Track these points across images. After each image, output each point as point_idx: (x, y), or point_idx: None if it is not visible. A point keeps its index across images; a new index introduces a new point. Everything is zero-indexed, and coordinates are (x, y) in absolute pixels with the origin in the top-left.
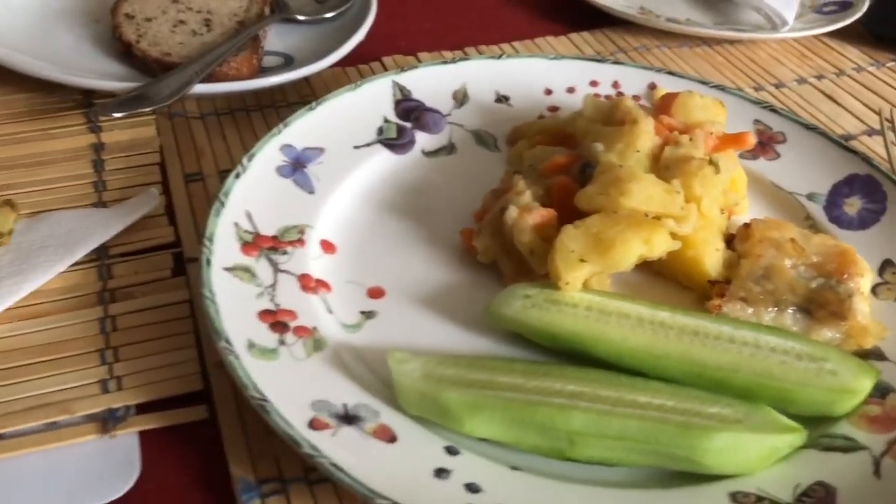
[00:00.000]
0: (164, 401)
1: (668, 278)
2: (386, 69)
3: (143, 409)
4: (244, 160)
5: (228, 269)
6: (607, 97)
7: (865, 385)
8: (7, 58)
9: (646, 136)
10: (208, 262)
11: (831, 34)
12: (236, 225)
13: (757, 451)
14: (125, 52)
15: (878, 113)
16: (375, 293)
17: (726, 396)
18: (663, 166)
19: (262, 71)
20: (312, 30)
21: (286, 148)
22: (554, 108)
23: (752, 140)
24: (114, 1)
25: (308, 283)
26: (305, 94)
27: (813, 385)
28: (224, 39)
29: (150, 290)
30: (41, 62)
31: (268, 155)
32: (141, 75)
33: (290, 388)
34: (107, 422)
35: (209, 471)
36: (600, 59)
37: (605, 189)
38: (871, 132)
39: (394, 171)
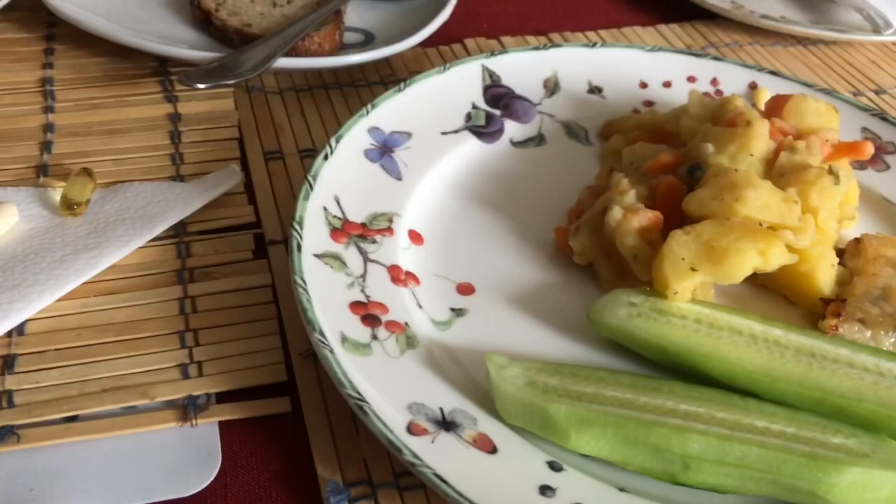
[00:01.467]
0: (245, 390)
1: (774, 291)
2: (468, 52)
3: (221, 397)
4: (332, 141)
5: (318, 256)
6: (706, 94)
7: None
8: (83, 19)
9: (760, 139)
10: (299, 247)
11: None
12: (325, 209)
13: (889, 489)
14: (203, 20)
15: None
16: (465, 289)
17: (846, 426)
18: (777, 173)
19: (343, 47)
20: (391, 6)
21: (374, 131)
22: (649, 103)
23: (869, 150)
24: None
25: (398, 275)
26: (385, 74)
27: None
28: (305, 13)
29: (229, 272)
30: (118, 26)
31: (355, 137)
32: (218, 45)
33: (385, 387)
34: (187, 409)
35: (292, 468)
36: (699, 54)
37: (719, 194)
38: None
39: (481, 160)
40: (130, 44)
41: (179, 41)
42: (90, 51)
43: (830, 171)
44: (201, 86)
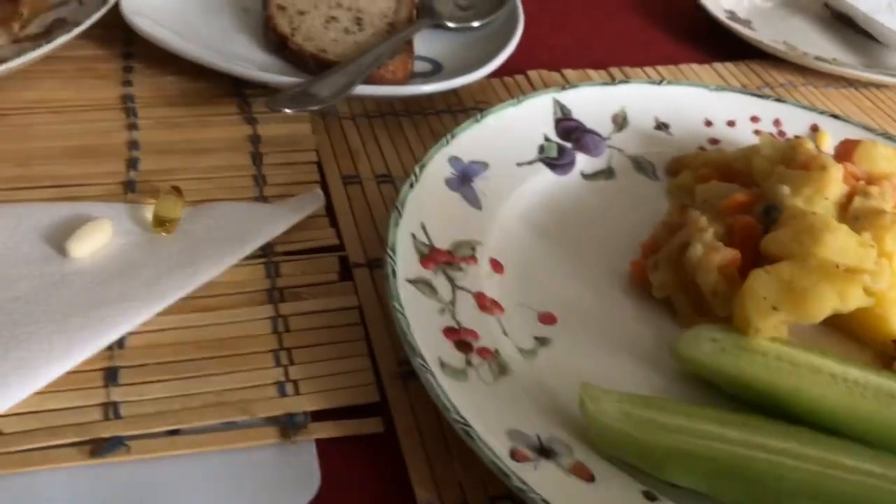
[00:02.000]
0: (338, 410)
1: (844, 332)
2: (531, 82)
3: (315, 416)
4: (416, 169)
5: (411, 282)
6: (770, 135)
7: None
8: (161, 37)
9: (835, 183)
10: (394, 273)
11: None
12: (413, 236)
13: None
14: (278, 44)
15: None
16: (547, 319)
17: None
18: (851, 217)
19: (413, 76)
20: (457, 36)
21: (454, 160)
22: (714, 141)
23: None
24: None
25: (484, 303)
26: (453, 103)
27: None
28: (377, 40)
29: (317, 293)
30: (195, 45)
31: (437, 166)
32: (292, 69)
33: (484, 413)
34: (287, 427)
35: (389, 489)
36: (762, 95)
37: (798, 236)
38: None
39: (553, 191)
40: (208, 64)
41: (254, 63)
42: (167, 69)
43: None
44: (288, 111)
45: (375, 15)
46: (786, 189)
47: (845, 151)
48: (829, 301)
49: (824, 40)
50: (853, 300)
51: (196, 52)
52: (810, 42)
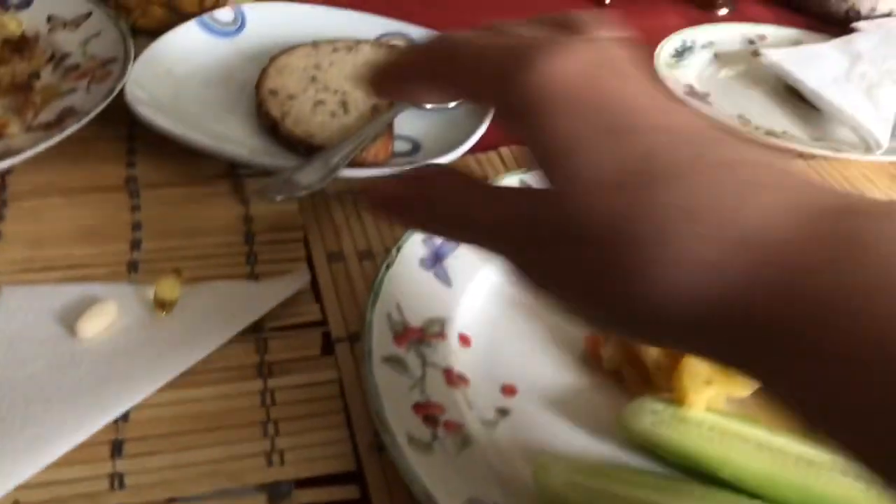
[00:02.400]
0: (318, 478)
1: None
2: (502, 159)
3: (298, 483)
4: (393, 251)
5: (385, 360)
6: None
7: None
8: (160, 123)
9: None
10: (370, 352)
11: None
12: (388, 316)
13: None
14: (270, 128)
15: None
16: (509, 390)
17: None
18: None
19: (393, 156)
20: (435, 115)
21: (427, 240)
22: None
23: None
24: (257, 76)
25: (451, 378)
26: None
27: None
28: (360, 123)
29: (302, 367)
30: (192, 129)
31: (412, 247)
32: (282, 150)
33: (447, 483)
34: (274, 495)
35: None
36: None
37: None
38: None
39: None
40: (202, 147)
41: (247, 144)
42: (167, 150)
43: None
44: (278, 198)
45: (360, 98)
46: None
47: None
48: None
49: (779, 112)
50: None
51: (190, 135)
52: (766, 113)
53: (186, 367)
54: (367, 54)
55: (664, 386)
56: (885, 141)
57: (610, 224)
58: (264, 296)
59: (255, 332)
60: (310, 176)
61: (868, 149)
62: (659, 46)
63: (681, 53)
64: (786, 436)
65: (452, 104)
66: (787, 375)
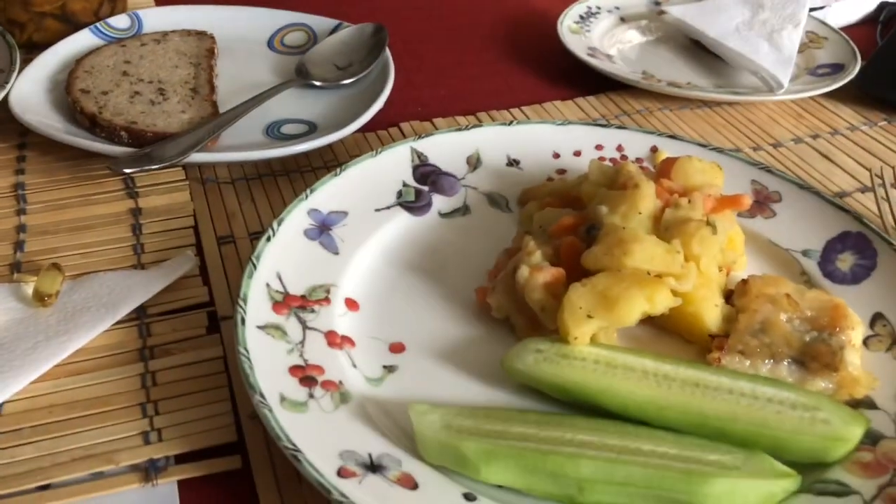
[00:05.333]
0: (201, 451)
1: (672, 332)
2: (404, 135)
3: (181, 458)
4: (274, 224)
5: (261, 328)
6: (612, 160)
7: (856, 433)
8: (45, 128)
9: (647, 199)
10: (243, 321)
11: (826, 95)
12: (268, 285)
13: (755, 496)
14: (91, 123)
15: (870, 170)
16: (397, 348)
17: (726, 444)
18: (664, 228)
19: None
20: (332, 95)
21: (313, 212)
22: (562, 171)
23: (747, 201)
24: (66, 78)
25: (334, 340)
26: (328, 159)
27: (807, 433)
28: (182, 107)
29: (186, 347)
30: (72, 128)
31: (296, 219)
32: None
33: (319, 438)
34: (148, 471)
35: None
36: (605, 124)
37: (610, 249)
38: (863, 189)
39: (412, 231)
40: (82, 146)
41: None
42: (58, 156)
43: (708, 223)
44: (127, 170)
45: (177, 83)
46: (605, 209)
47: (665, 169)
48: (637, 305)
49: (685, 66)
50: (661, 302)
51: (73, 138)
52: (672, 68)
53: (64, 357)
54: (176, 44)
55: (551, 327)
56: (785, 80)
57: None
58: (148, 283)
59: (138, 318)
60: (167, 152)
61: (771, 90)
62: (563, 13)
63: (585, 18)
64: (675, 362)
65: (346, 81)
66: None
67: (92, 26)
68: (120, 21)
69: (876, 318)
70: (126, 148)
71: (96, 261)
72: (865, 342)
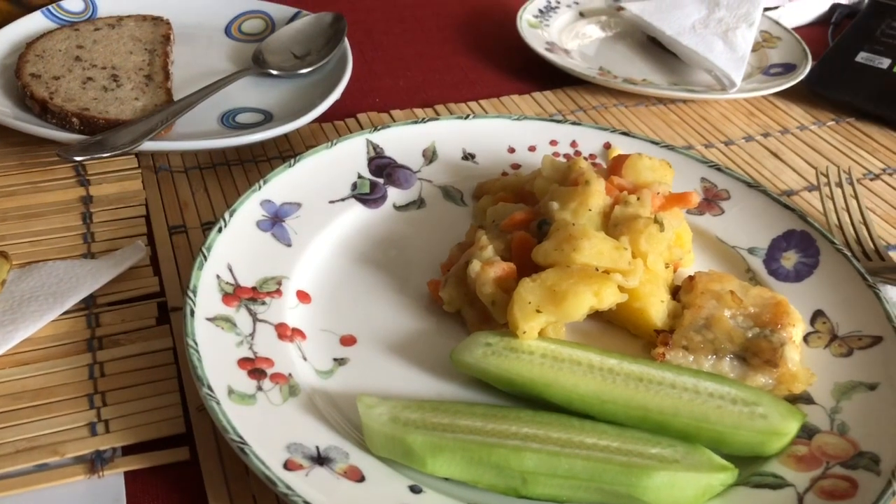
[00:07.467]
0: (149, 443)
1: (619, 327)
2: (361, 125)
3: (128, 450)
4: (226, 215)
5: (210, 319)
6: (566, 156)
7: (793, 427)
8: None
9: (597, 195)
10: (192, 312)
11: (777, 94)
12: (218, 277)
13: (693, 488)
14: (42, 109)
15: (816, 169)
16: (348, 341)
17: (667, 438)
18: (612, 224)
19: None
20: (289, 84)
21: (266, 203)
22: (516, 166)
23: (695, 199)
24: (15, 62)
25: (284, 332)
26: (284, 149)
27: (745, 428)
28: (136, 94)
29: (135, 338)
30: (21, 113)
31: (248, 210)
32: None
33: (266, 431)
34: (94, 463)
35: None
36: (560, 120)
37: (560, 245)
38: (811, 188)
39: (367, 224)
40: (32, 132)
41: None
42: (6, 141)
43: (656, 221)
44: (78, 158)
45: (131, 70)
46: (556, 205)
47: (616, 166)
48: (585, 300)
49: (641, 63)
50: (608, 297)
51: (15, 120)
52: (628, 64)
53: (10, 347)
54: (131, 30)
55: (502, 321)
56: (738, 79)
57: None
58: (98, 272)
59: (87, 308)
60: (119, 139)
61: (724, 88)
62: (522, 7)
63: (544, 13)
64: (620, 357)
65: (303, 70)
66: None
67: (44, 9)
68: (74, 4)
69: (816, 315)
70: (77, 135)
71: (45, 249)
72: (806, 339)
